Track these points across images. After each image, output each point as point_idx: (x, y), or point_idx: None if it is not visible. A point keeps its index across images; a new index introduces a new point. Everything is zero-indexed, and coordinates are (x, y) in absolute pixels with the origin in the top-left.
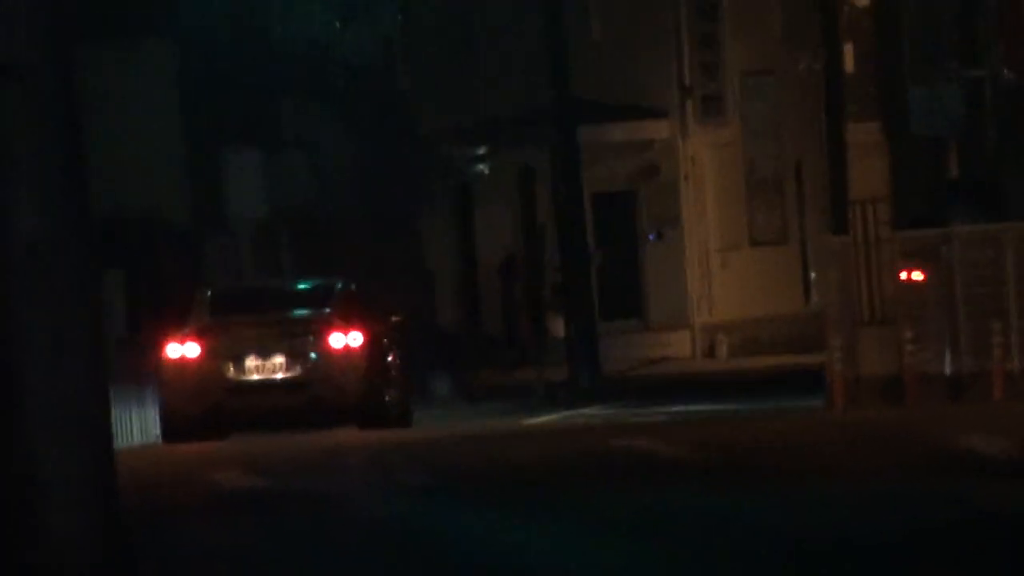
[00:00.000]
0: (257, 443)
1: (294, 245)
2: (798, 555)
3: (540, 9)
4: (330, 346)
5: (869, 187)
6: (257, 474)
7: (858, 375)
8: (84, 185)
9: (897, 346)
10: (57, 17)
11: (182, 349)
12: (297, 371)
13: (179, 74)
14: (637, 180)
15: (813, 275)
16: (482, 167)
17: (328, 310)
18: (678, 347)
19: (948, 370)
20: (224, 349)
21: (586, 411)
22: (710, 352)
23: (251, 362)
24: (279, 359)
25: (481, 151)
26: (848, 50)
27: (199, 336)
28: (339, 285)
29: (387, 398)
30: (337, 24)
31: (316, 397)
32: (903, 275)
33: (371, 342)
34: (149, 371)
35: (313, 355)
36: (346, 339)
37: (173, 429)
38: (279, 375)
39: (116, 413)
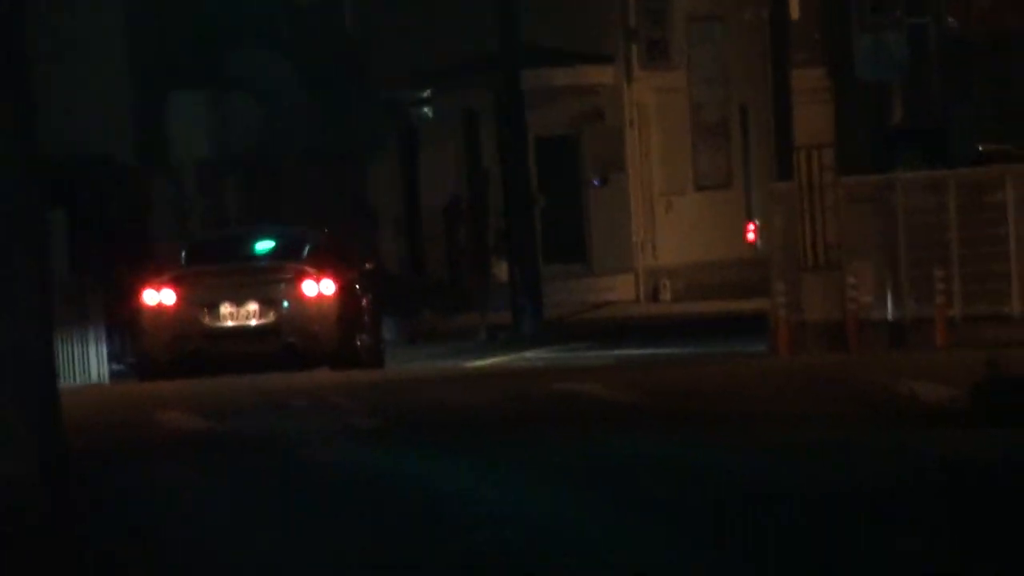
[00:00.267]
0: (205, 384)
1: (240, 186)
2: (738, 501)
3: None
4: (302, 293)
5: (814, 133)
6: (201, 416)
7: (802, 320)
8: (30, 128)
9: (841, 292)
10: None
11: (158, 296)
12: (270, 318)
13: (126, 16)
14: (581, 125)
15: (753, 225)
16: (428, 110)
17: (301, 258)
18: (622, 291)
19: (891, 316)
20: (199, 296)
21: (529, 355)
22: (654, 296)
23: (225, 309)
24: (252, 306)
25: (427, 94)
26: None
27: (175, 284)
28: (312, 233)
29: (359, 343)
30: None
31: (289, 343)
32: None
33: (343, 289)
34: (94, 310)
35: (286, 302)
36: (318, 287)
37: (149, 373)
38: (252, 322)
39: (60, 354)
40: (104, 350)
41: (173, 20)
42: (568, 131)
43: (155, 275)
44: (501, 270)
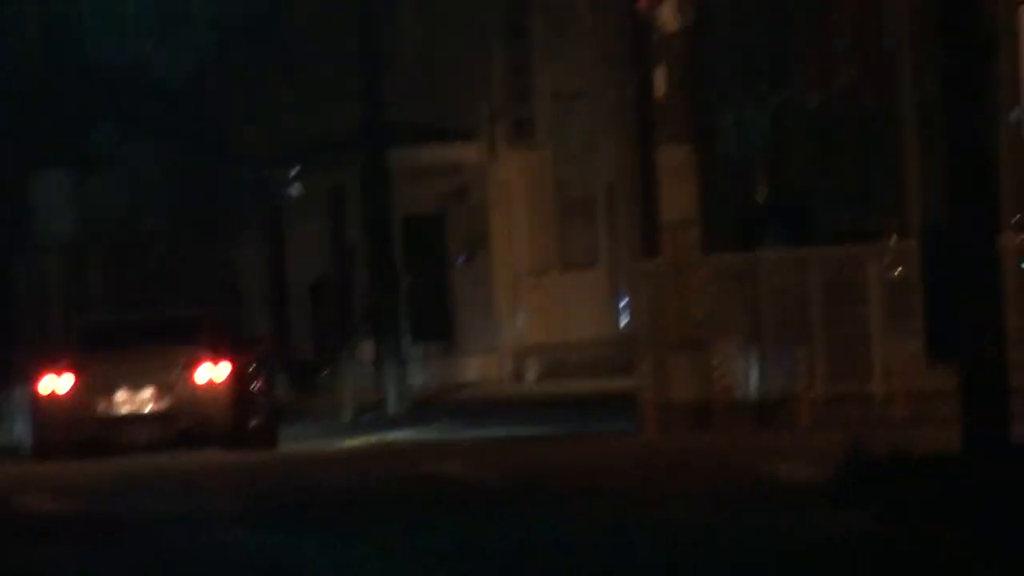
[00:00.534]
0: (74, 466)
1: (106, 266)
2: None
3: (353, 32)
4: (196, 379)
5: (679, 210)
6: (64, 498)
7: (668, 400)
8: None
9: (706, 371)
10: None
11: (54, 384)
12: (165, 403)
13: None
14: (447, 203)
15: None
16: (294, 188)
17: (195, 342)
18: (488, 371)
19: (756, 395)
20: (95, 383)
21: (395, 435)
22: (520, 376)
23: (121, 396)
24: (147, 392)
25: (293, 172)
26: (659, 74)
27: (71, 370)
28: (204, 316)
29: (252, 424)
30: (150, 46)
31: (184, 428)
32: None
33: (236, 372)
34: None
35: (180, 388)
36: (212, 371)
37: (47, 457)
38: (148, 407)
39: None
40: None
41: (36, 97)
42: (434, 209)
43: (50, 360)
44: (367, 348)
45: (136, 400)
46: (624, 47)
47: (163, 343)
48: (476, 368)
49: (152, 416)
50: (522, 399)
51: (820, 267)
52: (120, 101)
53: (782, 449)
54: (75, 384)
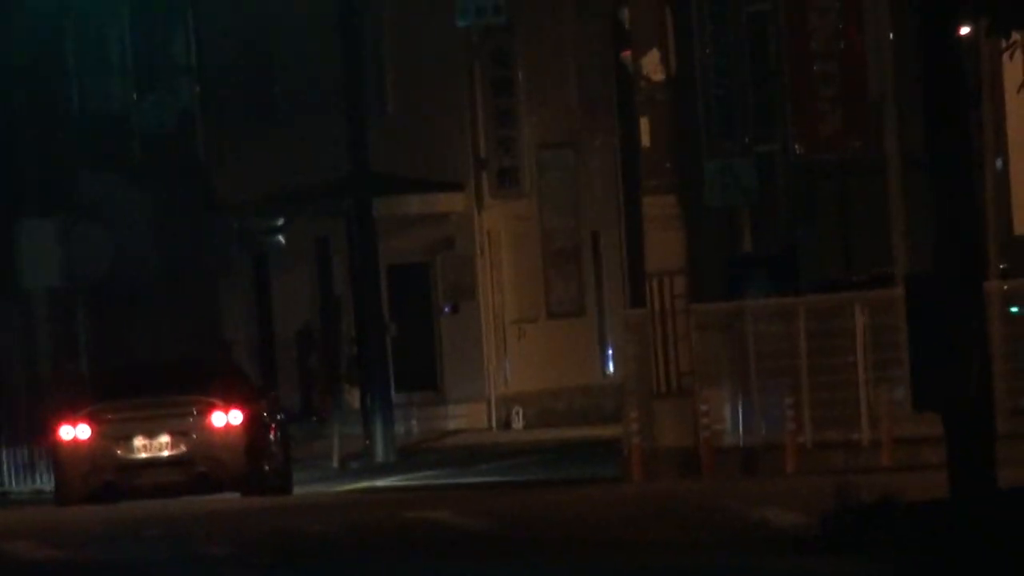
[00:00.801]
0: (58, 512)
1: (91, 314)
2: None
3: (338, 83)
4: (212, 424)
5: (665, 260)
6: (51, 546)
7: (655, 447)
8: None
9: (693, 419)
10: None
11: (74, 431)
12: (182, 449)
13: None
14: (433, 252)
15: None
16: (279, 238)
17: (210, 388)
18: (474, 419)
19: (743, 443)
20: (113, 430)
21: (381, 483)
22: (506, 424)
23: (139, 442)
24: (165, 438)
25: (279, 222)
26: (644, 124)
27: (89, 418)
28: (219, 363)
29: (267, 469)
30: (135, 95)
31: (200, 472)
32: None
33: (250, 418)
34: None
35: (196, 433)
36: (227, 417)
37: (67, 502)
38: (165, 453)
39: None
40: None
41: (21, 145)
42: (419, 258)
43: (69, 409)
44: (353, 397)
45: (153, 446)
46: (609, 97)
47: (179, 390)
48: (462, 416)
49: (169, 461)
50: (509, 447)
51: (806, 315)
52: (105, 149)
53: (769, 495)
54: (94, 431)
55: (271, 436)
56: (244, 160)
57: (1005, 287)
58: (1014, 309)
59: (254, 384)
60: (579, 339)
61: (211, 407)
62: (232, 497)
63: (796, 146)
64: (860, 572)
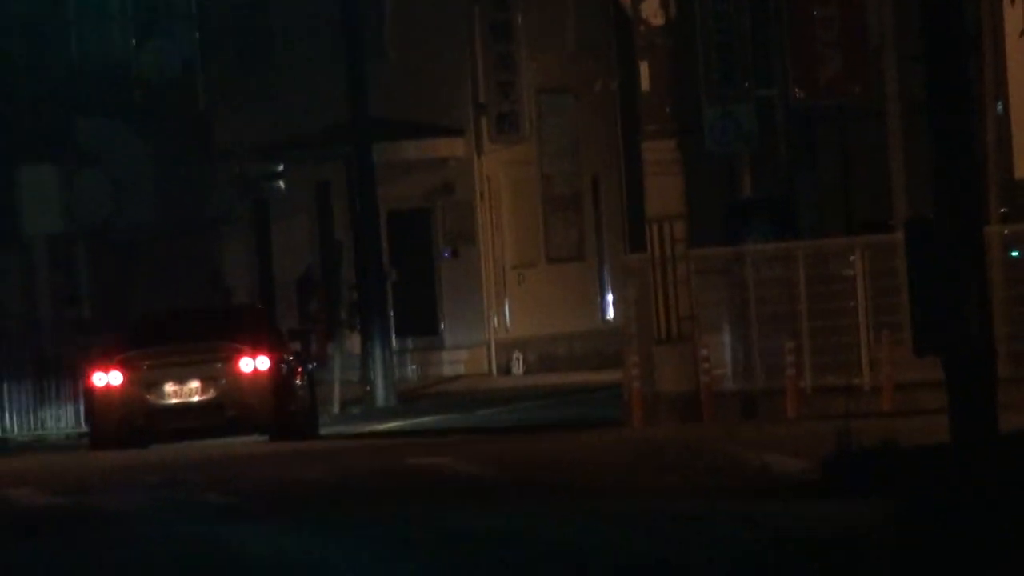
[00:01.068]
0: (58, 460)
1: (92, 260)
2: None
3: (337, 28)
4: (240, 370)
5: (665, 205)
6: (52, 493)
7: (655, 392)
8: None
9: (693, 364)
10: None
11: (106, 378)
12: (211, 394)
13: None
14: (432, 198)
15: (611, 294)
16: (280, 184)
17: (238, 335)
18: (474, 364)
19: (742, 388)
20: (144, 377)
21: (382, 428)
22: (507, 369)
23: (169, 387)
24: (194, 384)
25: (279, 168)
26: (644, 69)
27: (121, 365)
28: (247, 310)
29: (294, 412)
30: (134, 41)
31: (229, 416)
32: None
33: (277, 363)
34: None
35: (225, 379)
36: (254, 363)
37: (102, 446)
38: (195, 398)
39: None
40: None
41: (22, 93)
42: (420, 204)
43: (102, 357)
44: (353, 343)
45: (183, 391)
46: (608, 42)
47: (208, 337)
48: (463, 361)
49: (199, 406)
50: (509, 392)
51: (806, 260)
52: (105, 96)
53: (770, 440)
54: (126, 378)
55: (298, 380)
56: (244, 106)
57: (1005, 231)
58: (1014, 253)
59: (281, 330)
60: (579, 284)
61: (239, 353)
62: (259, 440)
63: (796, 91)
64: (861, 516)
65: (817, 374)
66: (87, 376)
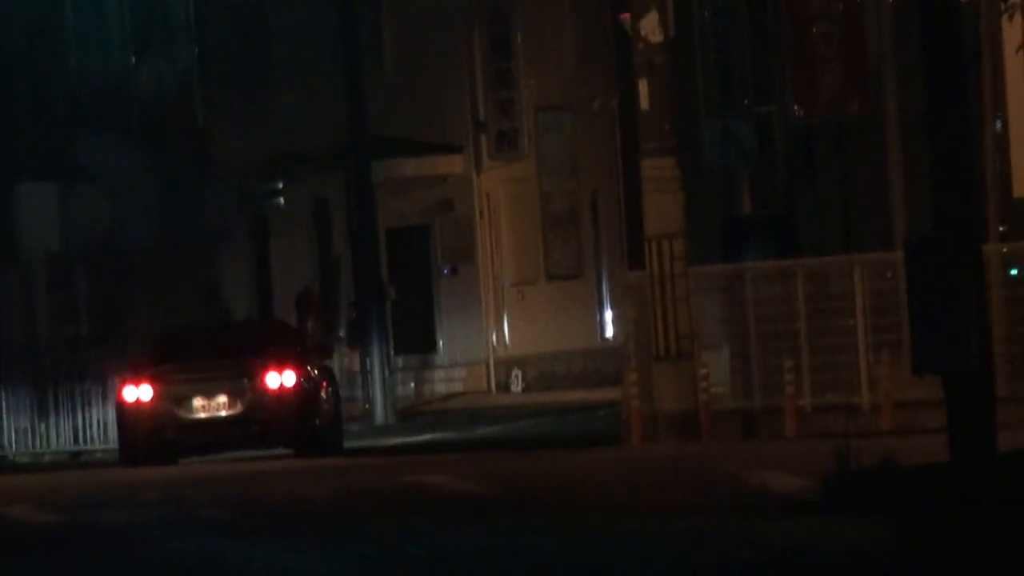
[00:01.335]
0: (56, 477)
1: (90, 278)
2: None
3: (336, 45)
4: (266, 385)
5: (664, 222)
6: (49, 510)
7: (654, 410)
8: None
9: (692, 382)
10: None
11: (137, 392)
12: (238, 408)
13: None
14: (432, 215)
15: (610, 312)
16: (278, 201)
17: (264, 351)
18: (474, 382)
19: (742, 406)
20: (174, 391)
21: (380, 445)
22: (506, 387)
23: (198, 402)
24: (222, 398)
25: (278, 185)
26: (643, 86)
27: (151, 380)
28: (272, 326)
29: (318, 426)
30: (133, 58)
31: (255, 431)
32: None
33: (302, 379)
34: None
35: (251, 393)
36: (280, 378)
37: (131, 460)
38: (223, 412)
39: None
40: None
41: (20, 110)
42: (419, 221)
43: (132, 371)
44: (352, 360)
45: (211, 405)
46: (607, 59)
47: (236, 352)
48: (462, 379)
49: (226, 420)
50: (508, 409)
51: (805, 278)
52: (104, 113)
53: (769, 459)
54: (156, 392)
55: (322, 395)
56: (243, 123)
57: (1004, 249)
58: (1013, 271)
59: (307, 345)
60: (578, 302)
61: (265, 368)
62: (284, 453)
63: (795, 107)
64: (860, 535)
65: (816, 392)
66: (117, 390)
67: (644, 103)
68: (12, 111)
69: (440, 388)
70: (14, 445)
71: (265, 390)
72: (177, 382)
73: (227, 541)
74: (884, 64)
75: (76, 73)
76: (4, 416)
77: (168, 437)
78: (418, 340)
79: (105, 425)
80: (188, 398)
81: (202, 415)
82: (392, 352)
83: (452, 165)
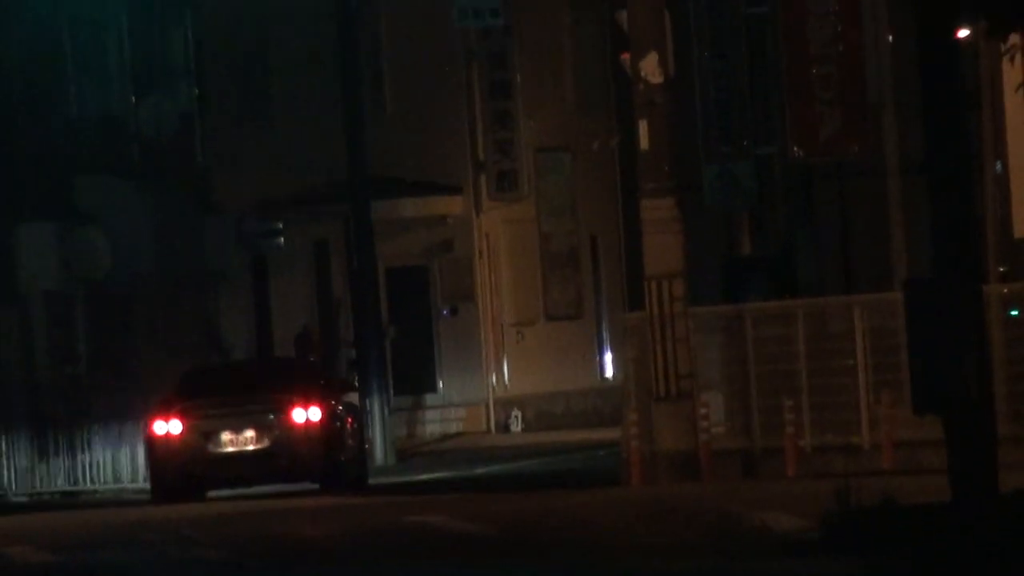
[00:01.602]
0: (56, 517)
1: (90, 317)
2: None
3: (336, 85)
4: (292, 420)
5: (664, 263)
6: (50, 550)
7: (654, 450)
8: None
9: (692, 422)
10: None
11: (167, 427)
12: (265, 443)
13: None
14: (431, 255)
15: (609, 352)
16: (278, 240)
17: (290, 386)
18: (473, 421)
19: (742, 446)
20: (202, 426)
21: (379, 485)
22: (505, 427)
23: (226, 436)
24: (250, 433)
25: (277, 224)
26: (643, 126)
27: (181, 415)
28: (298, 363)
29: (343, 461)
30: (133, 98)
31: (282, 465)
32: None
33: (327, 415)
34: None
35: (278, 429)
36: (306, 413)
37: (161, 492)
38: (250, 447)
39: None
40: None
41: (20, 149)
42: (418, 261)
43: (161, 407)
44: (351, 400)
45: (239, 440)
46: (607, 99)
47: (262, 388)
48: (461, 419)
49: (253, 455)
50: (508, 450)
51: (805, 318)
52: (104, 152)
53: (769, 499)
54: (185, 427)
55: (347, 430)
56: (242, 163)
57: (1004, 290)
58: (1014, 312)
59: (332, 381)
60: (577, 342)
61: (292, 404)
62: (310, 488)
63: (795, 148)
64: (862, 574)
65: (817, 432)
66: (147, 424)
67: (644, 143)
68: (13, 151)
69: (439, 428)
70: (14, 485)
71: (292, 425)
72: (206, 417)
73: None
74: (884, 105)
75: (76, 113)
76: (3, 455)
77: (197, 471)
78: (418, 380)
79: (103, 465)
80: (216, 432)
81: (230, 449)
82: (392, 392)
83: (452, 205)
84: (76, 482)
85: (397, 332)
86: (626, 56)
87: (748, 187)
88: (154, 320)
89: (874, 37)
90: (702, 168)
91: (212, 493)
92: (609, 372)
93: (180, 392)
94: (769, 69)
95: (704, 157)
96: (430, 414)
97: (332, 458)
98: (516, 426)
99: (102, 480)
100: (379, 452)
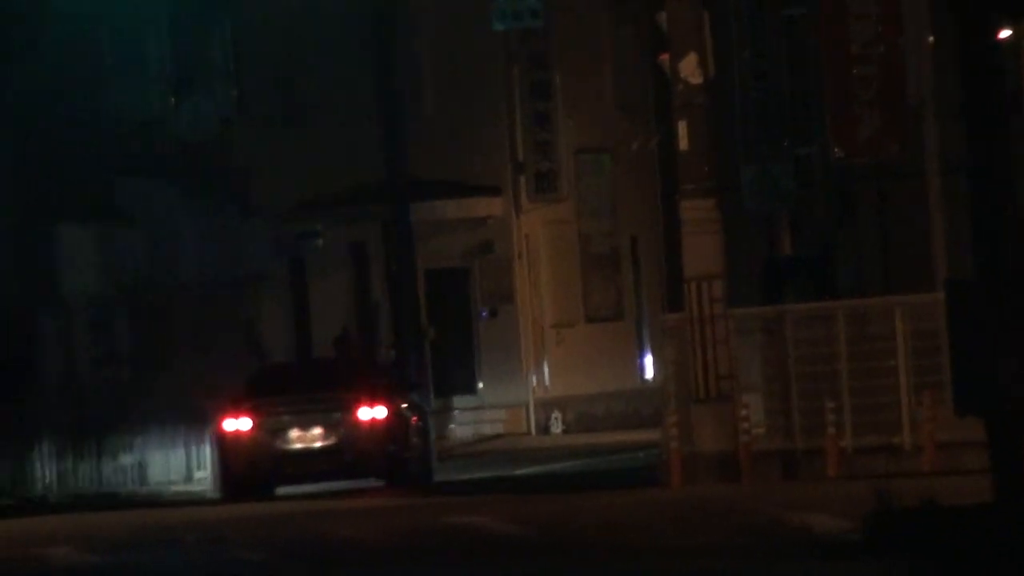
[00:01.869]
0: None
1: (130, 319)
2: None
3: (374, 87)
4: (358, 418)
5: (703, 264)
6: (92, 551)
7: (694, 451)
8: None
9: (732, 423)
10: None
11: (236, 424)
12: (332, 440)
13: (12, 150)
14: (471, 257)
15: (649, 354)
16: (317, 242)
17: (357, 384)
18: (513, 423)
19: (782, 447)
20: (271, 423)
21: (420, 486)
22: (545, 428)
23: (294, 433)
24: (317, 430)
25: (316, 226)
26: (682, 127)
27: (250, 412)
28: (364, 360)
29: (407, 458)
30: (172, 100)
31: (348, 461)
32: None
33: (392, 412)
34: None
35: (344, 426)
36: (372, 411)
37: (232, 489)
38: (318, 444)
39: None
40: None
41: (61, 153)
42: (458, 263)
43: (231, 404)
44: (418, 399)
45: (307, 437)
46: (646, 100)
47: (330, 386)
48: (501, 421)
49: (321, 451)
50: (548, 451)
51: (846, 319)
52: (143, 155)
53: (810, 500)
54: (255, 424)
55: (412, 428)
56: (281, 165)
57: None
58: None
59: (398, 381)
60: (617, 343)
61: (358, 402)
62: (376, 484)
63: (835, 149)
64: None
65: (858, 433)
66: (218, 422)
67: (683, 144)
68: (53, 154)
69: (480, 429)
70: (55, 486)
71: (358, 422)
72: (274, 414)
73: None
74: (924, 105)
75: (116, 115)
76: (45, 457)
77: (266, 467)
78: (458, 382)
79: (145, 467)
80: (285, 429)
81: (298, 446)
82: (431, 394)
83: (491, 207)
84: (117, 484)
85: (436, 334)
86: (665, 57)
87: (787, 188)
88: (193, 322)
89: (915, 37)
90: (741, 169)
91: (280, 491)
92: (649, 374)
93: (249, 390)
94: (808, 70)
95: (743, 158)
96: (470, 415)
97: (396, 456)
98: (556, 428)
99: (144, 482)
100: None
